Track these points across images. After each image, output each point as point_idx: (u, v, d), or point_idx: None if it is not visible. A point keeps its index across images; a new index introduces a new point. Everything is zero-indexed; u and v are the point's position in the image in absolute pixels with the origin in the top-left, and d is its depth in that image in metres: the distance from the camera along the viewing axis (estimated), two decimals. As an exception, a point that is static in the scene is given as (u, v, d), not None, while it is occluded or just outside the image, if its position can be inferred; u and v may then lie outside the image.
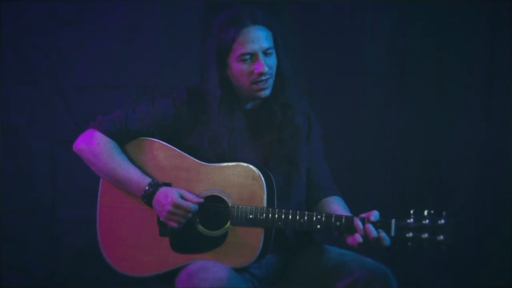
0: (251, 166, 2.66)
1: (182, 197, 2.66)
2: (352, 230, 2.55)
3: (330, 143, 2.95)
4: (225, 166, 2.69)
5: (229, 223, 2.66)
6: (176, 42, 3.85)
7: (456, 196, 3.82)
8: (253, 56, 2.67)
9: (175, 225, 2.67)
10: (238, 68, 2.69)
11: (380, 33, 3.84)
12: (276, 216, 2.61)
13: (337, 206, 2.76)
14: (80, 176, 3.74)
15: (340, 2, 3.84)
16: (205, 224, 2.69)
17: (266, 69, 2.66)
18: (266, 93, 2.71)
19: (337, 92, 3.88)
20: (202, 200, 2.67)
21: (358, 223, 2.54)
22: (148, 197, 2.70)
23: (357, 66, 3.86)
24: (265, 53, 2.68)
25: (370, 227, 2.51)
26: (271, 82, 2.71)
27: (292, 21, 3.84)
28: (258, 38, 2.66)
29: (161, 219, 2.70)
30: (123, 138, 2.77)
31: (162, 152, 2.75)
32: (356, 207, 2.74)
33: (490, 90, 3.79)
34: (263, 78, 2.68)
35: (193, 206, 2.65)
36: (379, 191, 3.84)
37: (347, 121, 3.88)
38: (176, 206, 2.65)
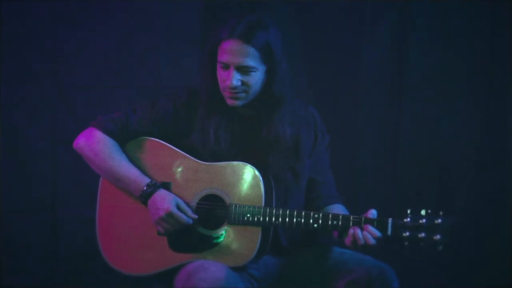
0: (249, 165, 2.67)
1: (179, 208, 2.66)
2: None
3: (330, 143, 2.95)
4: (223, 165, 2.69)
5: (227, 221, 2.65)
6: (176, 42, 3.86)
7: (456, 196, 3.81)
8: (228, 67, 2.66)
9: (162, 231, 2.68)
10: (218, 71, 2.70)
11: (380, 33, 3.84)
12: (274, 215, 2.62)
13: (337, 211, 2.75)
14: (81, 176, 3.75)
15: (340, 2, 3.84)
16: (203, 223, 2.68)
17: (234, 83, 2.64)
18: (235, 103, 2.69)
19: (337, 92, 3.87)
20: (196, 217, 2.67)
21: (350, 231, 2.55)
22: (145, 197, 2.69)
23: (357, 66, 3.86)
24: (241, 70, 2.65)
25: (357, 231, 2.53)
26: (243, 95, 2.68)
27: (292, 21, 3.84)
28: (235, 54, 2.64)
29: (152, 221, 2.70)
30: (123, 137, 2.78)
31: (161, 152, 2.75)
32: (356, 207, 2.74)
33: (490, 90, 3.78)
34: (231, 91, 2.67)
35: (186, 220, 2.65)
36: (379, 191, 3.84)
37: (347, 121, 3.88)
38: (170, 215, 2.64)
